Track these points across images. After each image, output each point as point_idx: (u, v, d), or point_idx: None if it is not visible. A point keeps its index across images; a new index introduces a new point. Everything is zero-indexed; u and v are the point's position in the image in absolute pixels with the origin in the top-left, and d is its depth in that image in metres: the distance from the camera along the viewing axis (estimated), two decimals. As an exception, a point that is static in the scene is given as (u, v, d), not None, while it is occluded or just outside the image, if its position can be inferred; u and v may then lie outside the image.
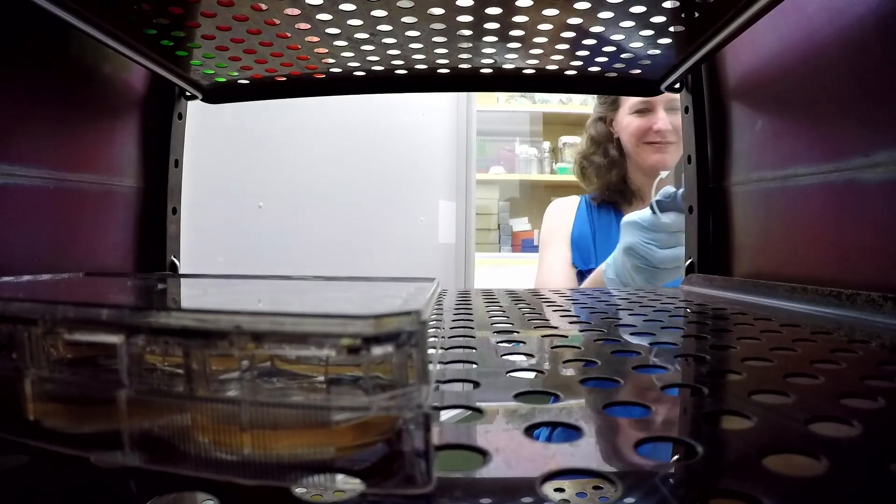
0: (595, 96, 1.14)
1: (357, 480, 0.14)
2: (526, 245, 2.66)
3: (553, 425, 0.19)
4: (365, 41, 0.51)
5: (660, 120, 0.99)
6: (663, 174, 0.88)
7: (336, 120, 1.10)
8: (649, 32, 0.48)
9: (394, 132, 1.25)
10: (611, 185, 1.09)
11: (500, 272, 2.22)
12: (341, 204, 1.13)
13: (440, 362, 0.27)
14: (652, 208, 0.77)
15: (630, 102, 1.04)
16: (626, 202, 1.09)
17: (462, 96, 1.50)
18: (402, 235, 1.28)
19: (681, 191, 0.73)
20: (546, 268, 1.12)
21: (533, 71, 0.59)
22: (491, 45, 0.52)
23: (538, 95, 2.60)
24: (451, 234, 1.47)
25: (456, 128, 1.50)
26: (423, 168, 1.38)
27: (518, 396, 0.21)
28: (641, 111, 1.02)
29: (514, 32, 0.49)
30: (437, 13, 0.45)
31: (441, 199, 1.42)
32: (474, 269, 1.54)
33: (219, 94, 0.65)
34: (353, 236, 1.15)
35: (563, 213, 1.16)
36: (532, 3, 0.43)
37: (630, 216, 0.81)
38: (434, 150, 1.42)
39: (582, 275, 1.06)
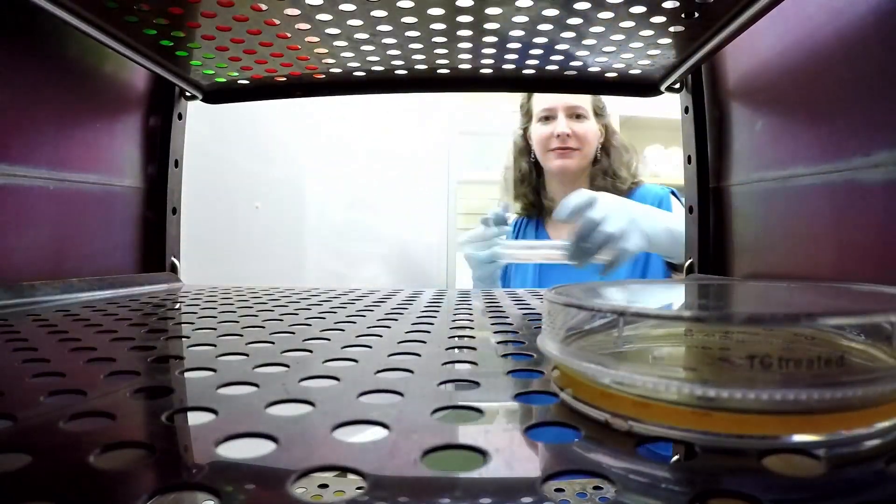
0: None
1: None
2: (526, 245, 2.65)
3: (552, 425, 0.19)
4: (365, 41, 0.51)
5: (559, 125, 1.01)
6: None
7: (325, 122, 1.11)
8: (649, 32, 0.48)
9: (381, 134, 1.26)
10: (522, 198, 1.10)
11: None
12: (331, 205, 1.14)
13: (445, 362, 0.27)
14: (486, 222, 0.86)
15: (536, 111, 1.05)
16: (547, 215, 1.09)
17: (446, 97, 1.51)
18: (389, 235, 1.29)
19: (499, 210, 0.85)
20: None
21: (533, 71, 0.59)
22: (491, 45, 0.52)
23: (538, 95, 2.59)
24: (433, 234, 1.48)
25: (440, 129, 1.51)
26: (408, 169, 1.39)
27: (518, 396, 0.21)
28: (545, 119, 1.04)
29: (514, 32, 0.49)
30: (437, 13, 0.45)
31: (425, 199, 1.44)
32: (456, 268, 1.55)
33: (219, 94, 0.65)
34: (342, 237, 1.16)
35: None
36: (532, 3, 0.43)
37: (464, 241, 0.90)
38: (418, 151, 1.43)
39: None
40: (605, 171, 1.03)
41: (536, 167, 1.09)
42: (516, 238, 1.12)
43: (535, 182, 1.09)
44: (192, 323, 0.38)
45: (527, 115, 1.10)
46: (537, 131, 1.05)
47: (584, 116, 1.03)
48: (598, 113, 1.04)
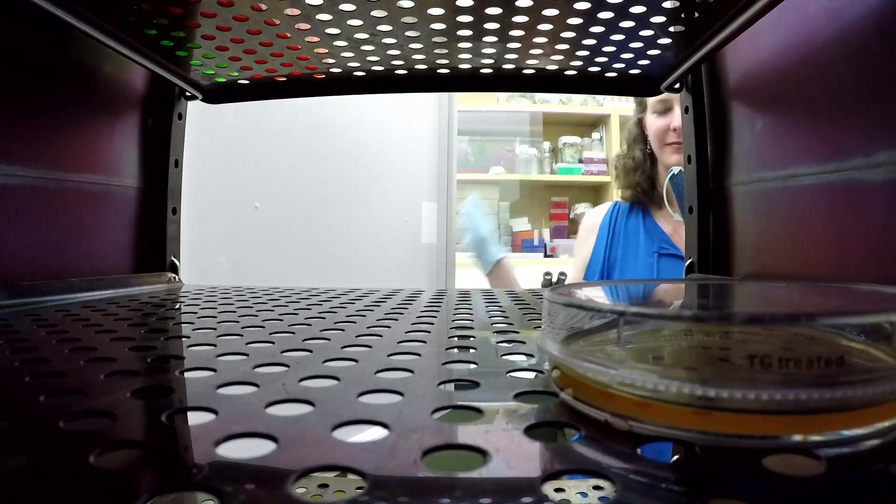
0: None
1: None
2: (526, 245, 2.65)
3: (553, 425, 0.19)
4: (365, 41, 0.51)
5: (675, 118, 0.98)
6: (675, 169, 0.89)
7: (323, 122, 1.11)
8: (649, 32, 0.48)
9: (379, 134, 1.26)
10: (634, 186, 1.09)
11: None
12: (330, 205, 1.14)
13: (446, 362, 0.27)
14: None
15: (650, 102, 1.03)
16: (654, 205, 1.09)
17: (444, 97, 1.51)
18: (387, 236, 1.29)
19: None
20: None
21: (533, 71, 0.59)
22: (491, 45, 0.52)
23: (538, 95, 2.60)
24: (433, 234, 1.48)
25: (438, 129, 1.51)
26: (407, 170, 1.39)
27: (518, 396, 0.21)
28: (661, 112, 1.01)
29: (514, 32, 0.49)
30: (437, 13, 0.45)
31: (423, 200, 1.44)
32: (455, 268, 1.56)
33: (219, 94, 0.65)
34: (342, 237, 1.16)
35: (590, 230, 1.17)
36: (532, 3, 0.43)
37: None
38: (417, 152, 1.43)
39: None
40: None
41: (651, 156, 1.07)
42: (613, 224, 1.12)
43: (650, 171, 1.08)
44: (192, 323, 0.38)
45: (641, 104, 1.08)
46: (653, 123, 1.02)
47: None
48: None
